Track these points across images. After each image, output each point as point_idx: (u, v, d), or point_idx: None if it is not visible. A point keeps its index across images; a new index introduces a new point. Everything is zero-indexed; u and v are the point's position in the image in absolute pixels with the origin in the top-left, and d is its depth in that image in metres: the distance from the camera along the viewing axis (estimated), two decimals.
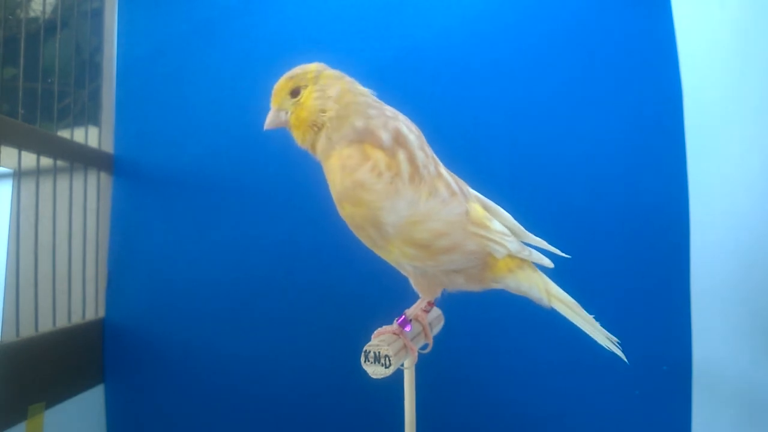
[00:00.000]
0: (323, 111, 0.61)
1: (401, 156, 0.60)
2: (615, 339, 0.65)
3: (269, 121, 0.64)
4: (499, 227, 0.63)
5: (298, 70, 0.64)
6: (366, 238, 0.61)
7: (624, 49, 1.14)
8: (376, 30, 1.21)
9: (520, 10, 1.18)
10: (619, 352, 0.64)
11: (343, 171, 0.59)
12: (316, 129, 0.62)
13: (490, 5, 1.18)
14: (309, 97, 0.62)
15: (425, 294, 0.66)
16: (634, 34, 1.14)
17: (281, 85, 0.64)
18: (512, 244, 0.62)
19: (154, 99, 1.28)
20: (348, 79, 0.65)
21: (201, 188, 1.24)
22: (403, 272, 0.65)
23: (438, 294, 0.66)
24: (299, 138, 0.64)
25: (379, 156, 0.59)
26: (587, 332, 0.64)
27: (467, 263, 0.61)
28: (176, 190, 1.25)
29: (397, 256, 0.60)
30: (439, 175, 0.62)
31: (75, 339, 1.15)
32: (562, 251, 0.70)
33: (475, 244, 0.60)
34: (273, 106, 0.64)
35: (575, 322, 0.64)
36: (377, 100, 0.65)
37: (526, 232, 0.67)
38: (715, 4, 1.12)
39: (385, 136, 0.60)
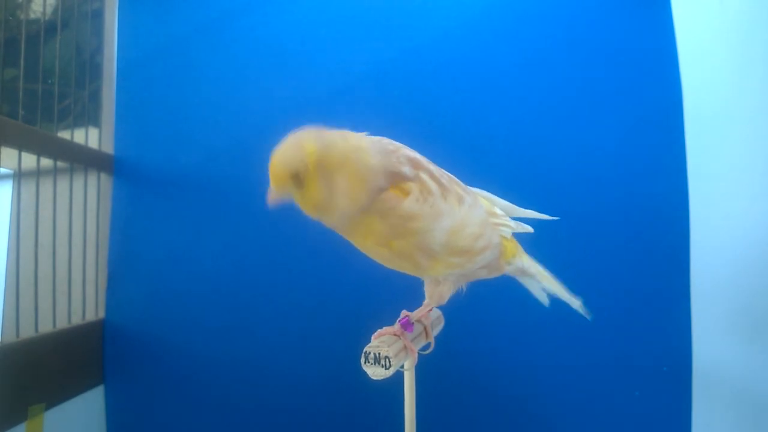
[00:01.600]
0: (336, 205, 0.56)
1: (425, 177, 0.61)
2: (579, 300, 0.75)
3: (273, 203, 0.58)
4: (500, 211, 0.70)
5: (294, 155, 0.54)
6: (409, 265, 0.62)
7: (624, 49, 1.14)
8: (376, 31, 1.21)
9: (520, 10, 1.18)
10: (582, 311, 0.76)
11: (384, 215, 0.58)
12: (328, 213, 0.58)
13: (490, 5, 1.18)
14: (315, 190, 0.55)
15: (434, 301, 0.67)
16: (634, 34, 1.14)
17: (278, 172, 0.55)
18: (512, 222, 0.69)
19: (154, 100, 1.28)
20: (352, 144, 0.57)
21: (201, 189, 1.24)
22: (425, 280, 0.67)
23: (445, 301, 0.67)
24: (307, 213, 0.59)
25: (412, 187, 0.59)
26: (560, 296, 0.74)
27: (492, 256, 0.66)
28: (176, 191, 1.25)
29: (440, 270, 0.63)
30: (452, 179, 0.65)
31: (75, 340, 1.15)
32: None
33: (497, 235, 0.66)
34: (275, 188, 0.56)
35: (554, 289, 0.74)
36: (375, 138, 0.61)
37: (516, 207, 0.73)
38: (715, 3, 1.12)
39: (406, 170, 0.60)
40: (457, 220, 0.61)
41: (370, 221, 0.58)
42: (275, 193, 0.57)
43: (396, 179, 0.59)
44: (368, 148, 0.58)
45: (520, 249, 0.72)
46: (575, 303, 0.75)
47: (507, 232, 0.68)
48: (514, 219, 0.72)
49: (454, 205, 0.61)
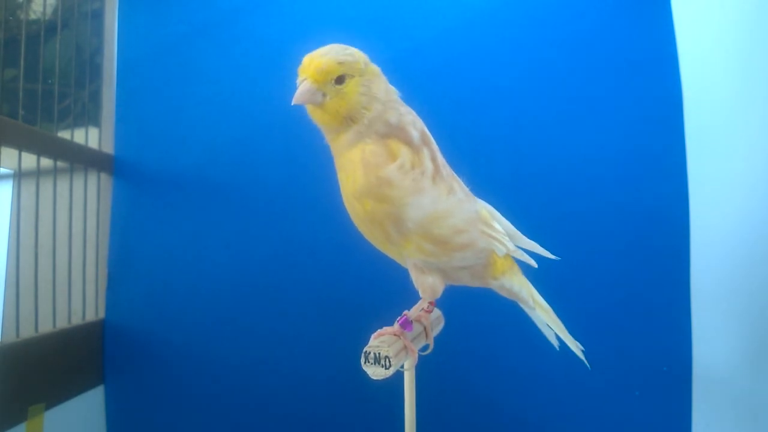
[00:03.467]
0: (366, 109, 0.60)
1: (425, 154, 0.61)
2: (581, 347, 0.71)
3: (305, 98, 0.59)
4: (500, 227, 0.66)
5: (347, 56, 0.60)
6: (380, 234, 0.61)
7: (624, 50, 1.14)
8: (376, 31, 1.21)
9: (520, 11, 1.18)
10: (583, 358, 0.71)
11: (367, 167, 0.59)
12: (349, 122, 0.60)
13: (490, 6, 1.18)
14: (354, 90, 0.60)
15: (427, 294, 0.66)
16: (634, 35, 1.14)
17: (330, 66, 0.59)
18: (510, 244, 0.66)
19: (154, 100, 1.28)
20: (384, 77, 0.64)
21: (201, 189, 1.24)
22: (410, 269, 0.66)
23: (439, 295, 0.66)
24: (326, 122, 0.61)
25: (405, 153, 0.60)
26: (560, 335, 0.70)
27: (476, 260, 0.64)
28: (176, 191, 1.25)
29: (411, 252, 0.61)
30: (453, 175, 0.65)
31: (75, 340, 1.15)
32: (562, 252, 0.72)
33: (485, 241, 0.63)
34: (311, 83, 0.59)
35: (552, 326, 0.70)
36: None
37: (520, 234, 0.70)
38: (715, 4, 1.12)
39: (414, 134, 0.62)
40: (440, 207, 0.60)
41: (353, 160, 0.60)
42: (308, 91, 0.59)
43: (398, 134, 0.60)
44: (395, 90, 0.64)
45: (515, 270, 0.68)
46: (575, 346, 0.71)
47: (500, 249, 0.64)
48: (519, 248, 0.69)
49: (442, 191, 0.61)
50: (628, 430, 1.09)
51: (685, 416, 1.06)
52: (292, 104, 0.60)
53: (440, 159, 0.64)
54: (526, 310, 0.71)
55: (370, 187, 0.59)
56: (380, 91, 0.61)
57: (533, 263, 0.69)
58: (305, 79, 0.59)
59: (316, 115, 0.62)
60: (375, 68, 0.63)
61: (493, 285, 0.68)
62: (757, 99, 1.06)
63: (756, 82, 1.07)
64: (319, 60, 0.59)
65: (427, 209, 0.59)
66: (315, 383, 1.17)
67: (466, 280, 0.66)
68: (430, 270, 0.64)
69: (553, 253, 0.72)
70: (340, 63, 0.59)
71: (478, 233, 0.63)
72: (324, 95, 0.59)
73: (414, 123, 0.63)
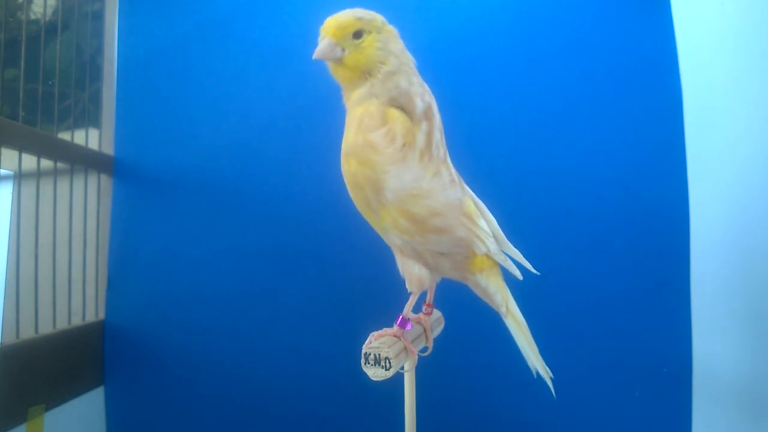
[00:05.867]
0: (383, 63, 0.62)
1: (423, 128, 0.62)
2: (551, 374, 0.67)
3: (324, 53, 0.62)
4: (484, 226, 0.65)
5: (365, 14, 0.64)
6: (361, 199, 0.62)
7: (624, 50, 1.14)
8: None
9: (520, 10, 1.18)
10: (550, 385, 0.67)
11: (359, 126, 0.61)
12: (366, 77, 0.63)
13: (490, 6, 1.19)
14: (371, 45, 0.62)
15: (414, 286, 0.65)
16: (634, 35, 1.14)
17: (348, 21, 0.62)
18: (492, 245, 0.65)
19: (154, 101, 1.28)
20: (401, 41, 0.66)
21: (201, 190, 1.24)
22: (395, 253, 0.66)
23: (425, 286, 0.65)
24: (346, 78, 0.64)
25: (398, 122, 0.61)
26: (525, 355, 0.66)
27: (454, 248, 0.63)
28: (177, 192, 1.25)
29: (388, 225, 0.61)
30: (446, 162, 0.65)
31: (75, 341, 1.15)
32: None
33: (464, 232, 0.63)
34: (330, 38, 0.62)
35: (519, 342, 0.66)
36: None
37: (507, 241, 0.69)
38: (714, 4, 1.12)
39: (419, 105, 0.63)
40: (422, 186, 0.60)
41: (354, 118, 0.62)
42: (328, 46, 0.62)
43: (403, 101, 0.62)
44: (413, 59, 0.66)
45: (494, 272, 0.66)
46: (544, 371, 0.67)
47: (479, 247, 0.63)
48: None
49: (428, 171, 0.61)
50: (628, 430, 1.09)
51: (685, 416, 1.06)
52: (313, 59, 0.62)
53: (436, 139, 0.63)
54: (503, 318, 0.67)
55: (355, 147, 0.60)
56: (396, 48, 0.64)
57: (518, 274, 0.66)
58: (325, 37, 0.62)
59: (337, 72, 0.64)
60: (393, 29, 0.65)
61: (470, 281, 0.66)
62: (757, 98, 1.06)
63: (756, 82, 1.07)
64: (338, 17, 0.63)
65: (407, 183, 0.59)
66: (315, 384, 1.17)
67: (447, 270, 0.65)
68: (411, 254, 0.63)
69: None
70: (357, 18, 0.62)
71: (456, 221, 0.62)
72: (343, 50, 0.62)
73: (422, 95, 0.63)
